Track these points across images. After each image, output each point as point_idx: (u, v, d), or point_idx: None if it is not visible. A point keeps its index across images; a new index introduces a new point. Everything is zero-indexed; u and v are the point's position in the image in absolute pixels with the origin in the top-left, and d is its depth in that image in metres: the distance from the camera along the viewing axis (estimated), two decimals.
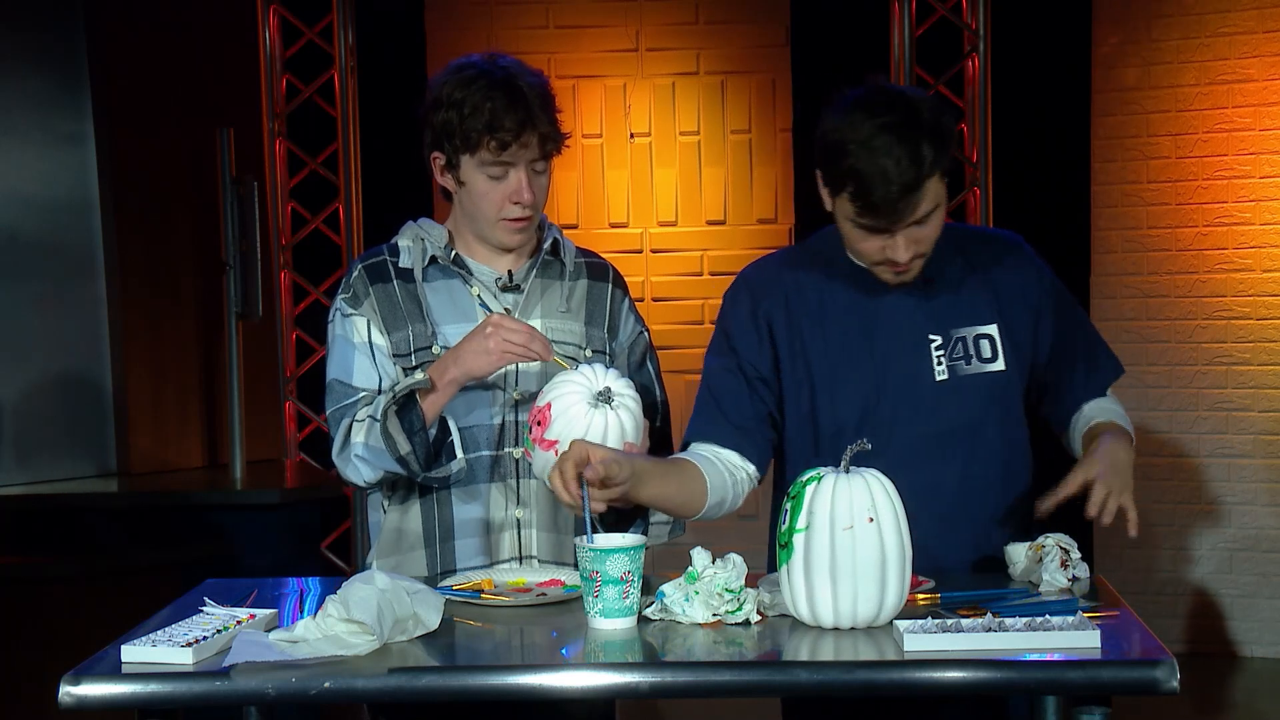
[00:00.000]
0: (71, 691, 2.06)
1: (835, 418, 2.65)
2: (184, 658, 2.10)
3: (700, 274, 6.39)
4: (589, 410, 2.51)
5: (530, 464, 2.62)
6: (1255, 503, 5.93)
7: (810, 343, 2.67)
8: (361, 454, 2.66)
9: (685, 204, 6.40)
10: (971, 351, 2.66)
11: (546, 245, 2.81)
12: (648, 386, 2.82)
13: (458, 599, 2.48)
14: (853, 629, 2.23)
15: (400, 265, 2.77)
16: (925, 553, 2.48)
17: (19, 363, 5.31)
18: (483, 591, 2.52)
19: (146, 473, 5.55)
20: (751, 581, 2.35)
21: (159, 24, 5.64)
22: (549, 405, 2.52)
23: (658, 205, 6.39)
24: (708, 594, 2.28)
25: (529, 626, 2.39)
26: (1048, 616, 2.18)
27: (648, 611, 2.32)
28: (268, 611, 2.32)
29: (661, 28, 6.34)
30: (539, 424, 2.53)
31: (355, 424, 2.67)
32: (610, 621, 2.28)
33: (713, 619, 2.28)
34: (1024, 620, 2.16)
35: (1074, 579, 2.48)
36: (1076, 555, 2.50)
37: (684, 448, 2.72)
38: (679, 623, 2.30)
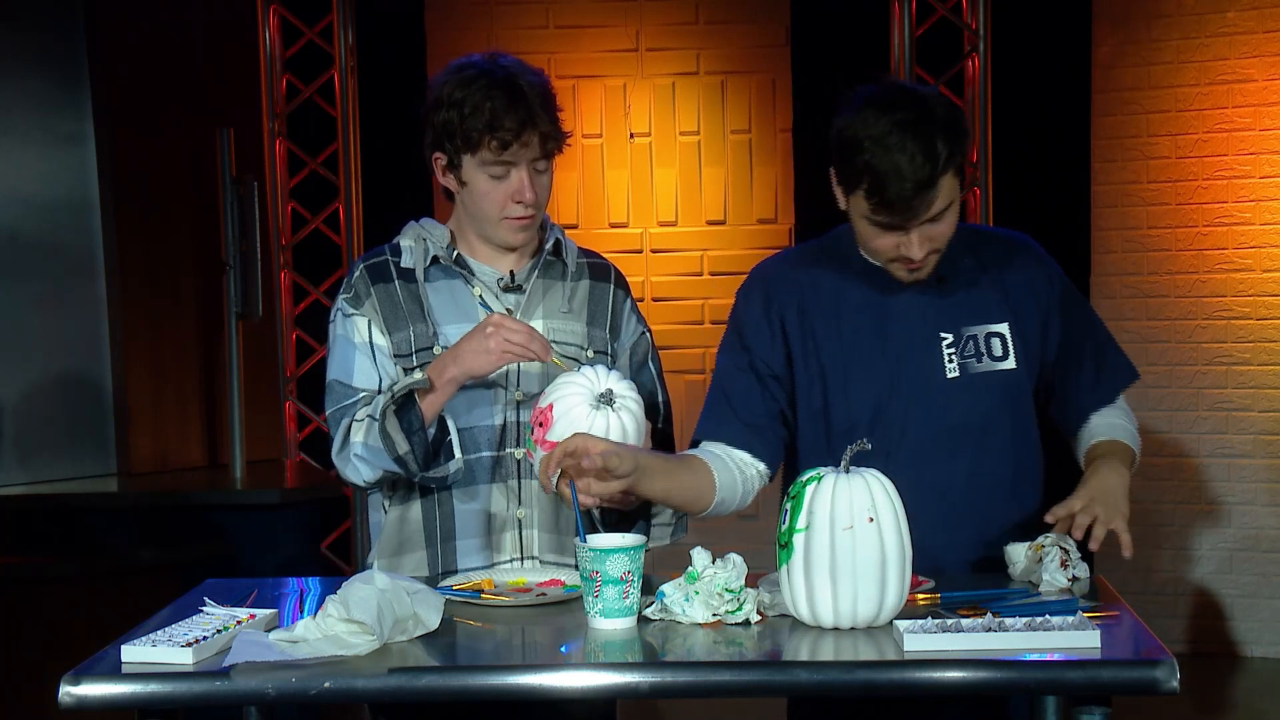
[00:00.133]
0: (71, 691, 2.06)
1: (848, 415, 2.65)
2: (184, 658, 2.10)
3: (700, 274, 6.39)
4: (591, 412, 2.51)
5: (532, 465, 2.62)
6: (1255, 503, 5.93)
7: (823, 340, 2.67)
8: (360, 454, 2.66)
9: (685, 204, 6.39)
10: (983, 350, 2.67)
11: (548, 245, 2.80)
12: (649, 388, 2.82)
13: (458, 599, 2.48)
14: (853, 629, 2.23)
15: (402, 265, 2.76)
16: (933, 549, 2.48)
17: (19, 363, 5.31)
18: (483, 591, 2.52)
19: (147, 473, 5.55)
20: (751, 581, 2.35)
21: (159, 24, 5.64)
22: (551, 406, 2.53)
23: (658, 205, 6.39)
24: (708, 594, 2.28)
25: (529, 626, 2.39)
26: (1048, 616, 2.18)
27: (648, 611, 2.32)
28: (268, 611, 2.32)
29: (661, 28, 6.33)
30: (541, 425, 2.53)
31: (355, 424, 2.67)
32: (610, 621, 2.28)
33: (713, 619, 2.28)
34: (1024, 620, 2.16)
35: (1074, 579, 2.48)
36: (1076, 555, 2.51)
37: (693, 446, 2.72)
38: (679, 623, 2.30)
